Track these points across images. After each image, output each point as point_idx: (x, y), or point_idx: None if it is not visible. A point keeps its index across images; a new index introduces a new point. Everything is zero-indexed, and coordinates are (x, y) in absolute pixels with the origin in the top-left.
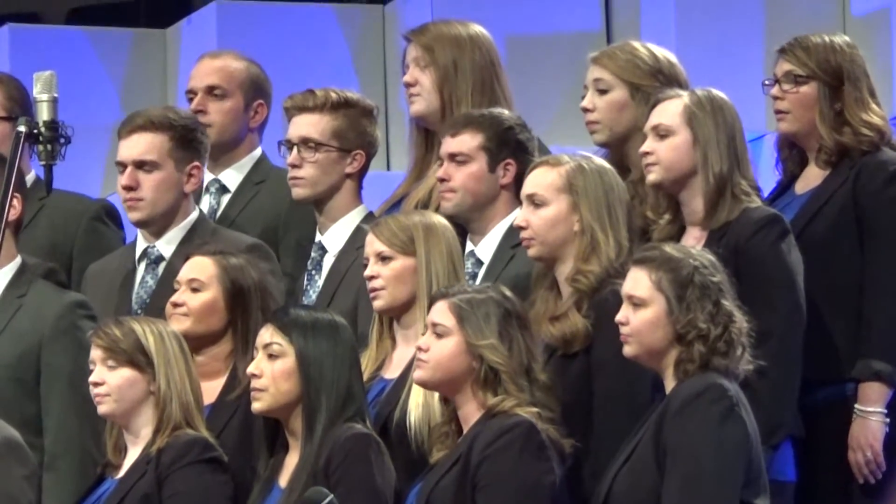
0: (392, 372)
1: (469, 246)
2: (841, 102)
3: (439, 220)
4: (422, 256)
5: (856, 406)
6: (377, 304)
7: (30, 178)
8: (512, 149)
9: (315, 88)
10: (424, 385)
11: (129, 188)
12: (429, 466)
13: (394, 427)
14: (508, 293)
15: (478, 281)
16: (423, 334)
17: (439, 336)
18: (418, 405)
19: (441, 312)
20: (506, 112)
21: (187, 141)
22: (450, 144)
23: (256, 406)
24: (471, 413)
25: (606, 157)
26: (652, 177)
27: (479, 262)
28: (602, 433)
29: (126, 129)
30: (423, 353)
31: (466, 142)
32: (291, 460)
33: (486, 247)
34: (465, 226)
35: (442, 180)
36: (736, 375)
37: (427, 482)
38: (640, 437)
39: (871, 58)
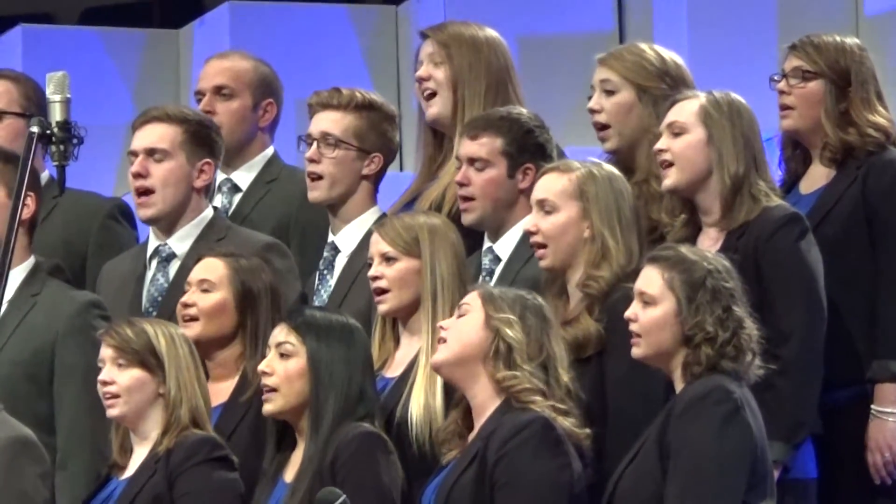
0: (394, 371)
1: (487, 242)
2: (847, 103)
3: (445, 221)
4: (427, 258)
5: (872, 407)
6: (382, 308)
7: (43, 177)
8: (532, 153)
9: (342, 87)
10: (439, 367)
11: (138, 175)
12: (440, 466)
13: (395, 425)
14: (541, 300)
15: (495, 277)
16: (429, 332)
17: (461, 315)
18: (420, 404)
19: (469, 297)
20: (524, 112)
21: (200, 137)
22: (469, 148)
23: (268, 408)
24: (484, 401)
25: (611, 161)
26: (668, 181)
27: (498, 259)
28: (616, 435)
29: (140, 119)
30: (443, 332)
31: (486, 146)
32: (298, 456)
33: (505, 244)
34: (484, 230)
35: (461, 184)
36: (746, 379)
37: (445, 480)
38: (646, 438)
39: (883, 58)
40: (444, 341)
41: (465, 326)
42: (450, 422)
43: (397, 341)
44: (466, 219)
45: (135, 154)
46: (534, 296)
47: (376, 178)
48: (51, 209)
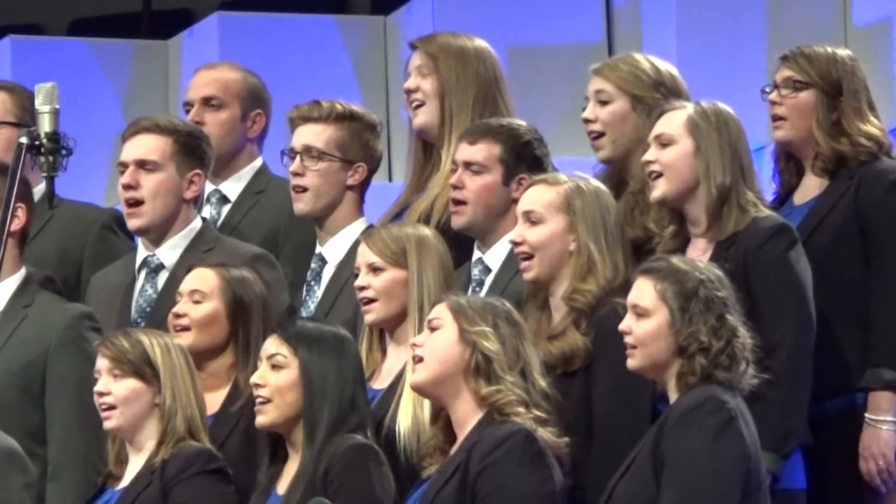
0: (381, 382)
1: (477, 253)
2: (838, 113)
3: (432, 233)
4: (413, 269)
5: (866, 415)
6: (369, 317)
7: (39, 188)
8: (528, 164)
9: (321, 100)
10: (420, 388)
11: (128, 186)
12: (419, 480)
13: (383, 437)
14: (508, 304)
15: (485, 287)
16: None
17: (433, 330)
18: (408, 415)
19: (437, 310)
20: (524, 125)
21: (191, 148)
22: (466, 152)
23: (261, 420)
24: (466, 414)
25: (605, 171)
26: (656, 193)
27: (488, 270)
28: (603, 448)
29: (131, 131)
30: (417, 349)
31: (484, 151)
32: (291, 469)
33: (495, 254)
34: (473, 236)
35: (455, 187)
36: (740, 389)
37: (427, 493)
38: (640, 449)
39: (872, 68)
40: (421, 360)
41: (440, 342)
42: (431, 437)
43: (384, 352)
44: (456, 222)
45: (125, 165)
46: (501, 301)
47: (361, 188)
48: (46, 220)
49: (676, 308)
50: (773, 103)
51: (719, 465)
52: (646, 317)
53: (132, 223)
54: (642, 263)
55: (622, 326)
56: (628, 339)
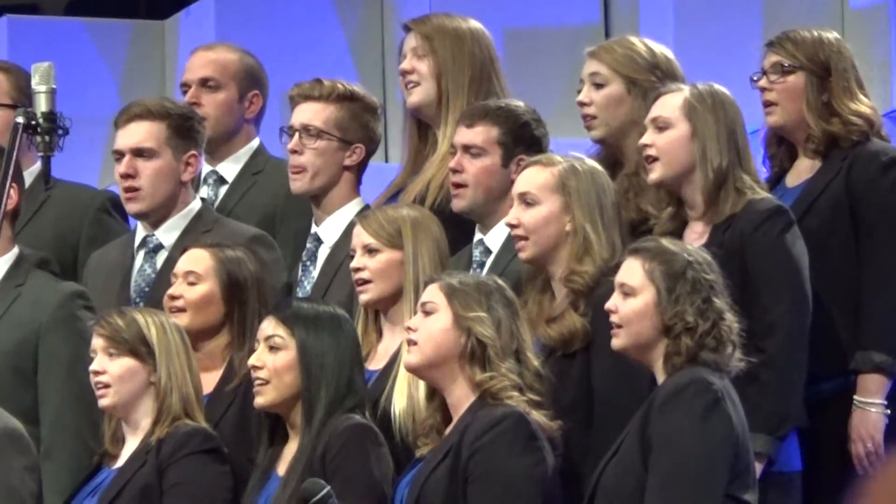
0: (377, 363)
1: (478, 234)
2: (828, 93)
3: (427, 214)
4: (409, 250)
5: (855, 397)
6: (363, 297)
7: (35, 168)
8: (527, 145)
9: (322, 78)
10: (414, 370)
11: (126, 176)
12: (414, 459)
13: (378, 417)
14: (500, 281)
15: (485, 269)
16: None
17: (428, 314)
18: (403, 396)
19: (430, 292)
20: (522, 105)
21: (184, 129)
22: (465, 135)
23: (259, 401)
24: (460, 398)
25: (600, 153)
26: (653, 175)
27: (488, 251)
28: (603, 428)
29: (123, 117)
30: (412, 333)
31: (482, 134)
32: (290, 450)
33: (495, 236)
34: (474, 219)
35: (454, 171)
36: (727, 371)
37: (419, 474)
38: (628, 431)
39: (869, 52)
40: (415, 343)
41: (435, 328)
42: (427, 416)
43: (380, 333)
44: (457, 205)
45: (120, 153)
46: (493, 279)
47: (359, 169)
48: (42, 202)
49: (663, 288)
50: (763, 90)
51: (706, 447)
52: (632, 296)
53: (131, 207)
54: (631, 244)
55: (608, 305)
56: (614, 319)
